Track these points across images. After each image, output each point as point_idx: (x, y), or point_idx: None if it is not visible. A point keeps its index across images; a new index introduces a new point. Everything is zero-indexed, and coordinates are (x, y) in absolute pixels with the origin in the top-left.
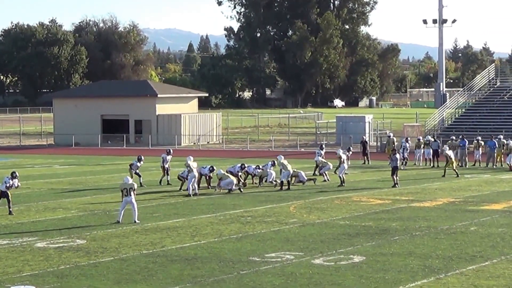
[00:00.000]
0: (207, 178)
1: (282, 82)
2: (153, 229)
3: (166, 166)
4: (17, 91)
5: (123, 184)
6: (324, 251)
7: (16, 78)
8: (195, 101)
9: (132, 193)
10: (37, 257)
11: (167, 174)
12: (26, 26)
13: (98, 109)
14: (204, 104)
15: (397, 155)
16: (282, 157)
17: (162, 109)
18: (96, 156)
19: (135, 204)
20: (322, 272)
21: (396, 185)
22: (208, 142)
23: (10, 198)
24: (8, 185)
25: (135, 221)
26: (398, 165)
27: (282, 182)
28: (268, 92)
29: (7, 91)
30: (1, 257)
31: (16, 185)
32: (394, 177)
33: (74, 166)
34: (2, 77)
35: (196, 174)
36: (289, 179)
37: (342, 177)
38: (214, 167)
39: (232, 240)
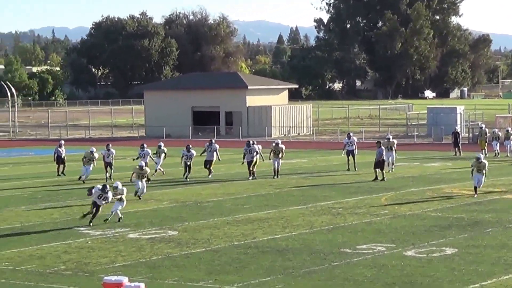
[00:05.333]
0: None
1: (372, 73)
2: (244, 220)
3: (189, 163)
4: (109, 83)
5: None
6: (416, 243)
7: (107, 71)
8: (285, 93)
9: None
10: (129, 248)
11: (188, 171)
12: (116, 19)
13: (188, 101)
14: (294, 96)
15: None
16: None
17: (252, 100)
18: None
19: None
20: (414, 264)
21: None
22: (298, 134)
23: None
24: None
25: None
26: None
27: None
28: (358, 83)
29: (98, 83)
30: (94, 248)
31: (109, 199)
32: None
33: (167, 158)
34: (93, 69)
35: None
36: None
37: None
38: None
39: (323, 232)
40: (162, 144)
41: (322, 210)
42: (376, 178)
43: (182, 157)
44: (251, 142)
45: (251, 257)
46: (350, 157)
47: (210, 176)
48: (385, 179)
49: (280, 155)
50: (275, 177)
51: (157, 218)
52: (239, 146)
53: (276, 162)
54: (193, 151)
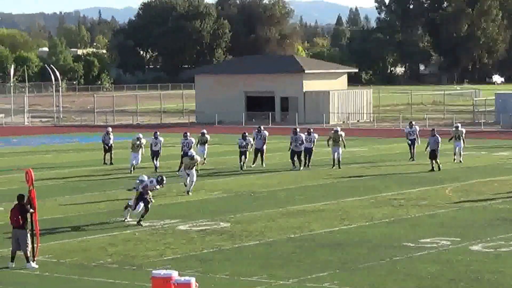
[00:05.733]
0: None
1: (437, 57)
2: (300, 212)
3: (245, 150)
4: (157, 67)
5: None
6: (483, 237)
7: (156, 54)
8: (344, 77)
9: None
10: (179, 240)
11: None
12: (166, 0)
13: (242, 85)
14: (353, 81)
15: None
16: None
17: (309, 85)
18: (240, 135)
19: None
20: (481, 260)
21: None
22: (358, 121)
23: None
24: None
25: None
26: None
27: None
28: (421, 67)
29: (147, 67)
30: (142, 240)
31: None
32: None
33: (217, 146)
34: (141, 52)
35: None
36: None
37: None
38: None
39: (384, 224)
40: (205, 131)
41: (383, 201)
42: (432, 169)
43: (239, 147)
44: (298, 130)
45: (307, 251)
46: (412, 146)
47: (253, 165)
48: (440, 168)
49: (340, 143)
50: (335, 167)
51: (208, 209)
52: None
53: (336, 152)
54: (250, 138)
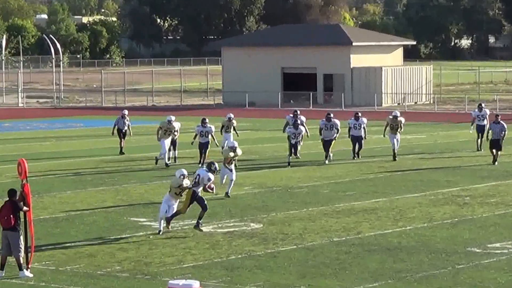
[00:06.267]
0: None
1: (510, 27)
2: (346, 211)
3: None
4: (178, 38)
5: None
6: None
7: (176, 22)
8: (400, 51)
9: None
10: (201, 245)
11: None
12: None
13: (278, 60)
14: (410, 55)
15: None
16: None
17: (358, 60)
18: (276, 119)
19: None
20: None
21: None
22: (415, 103)
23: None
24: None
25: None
26: None
27: None
28: (492, 40)
29: (165, 38)
30: (157, 244)
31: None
32: None
33: (248, 132)
34: (158, 20)
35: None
36: None
37: None
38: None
39: (446, 226)
40: (232, 115)
41: (445, 198)
42: (494, 161)
43: (289, 136)
44: (332, 115)
45: (355, 257)
46: (481, 134)
47: (298, 156)
48: (496, 162)
49: (398, 130)
50: (396, 159)
51: (237, 207)
52: (341, 118)
53: (395, 140)
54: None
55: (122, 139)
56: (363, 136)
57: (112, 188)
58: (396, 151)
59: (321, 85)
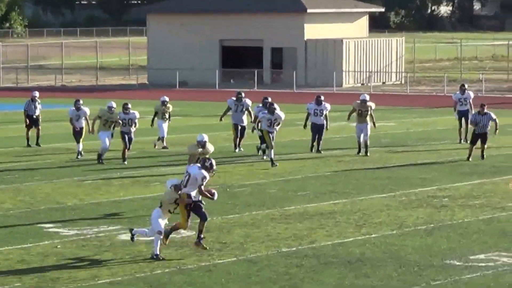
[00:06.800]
0: None
1: None
2: (298, 215)
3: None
4: (93, 2)
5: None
6: None
7: None
8: (365, 20)
9: None
10: (120, 256)
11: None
12: None
13: (216, 31)
14: (378, 24)
15: None
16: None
17: (313, 31)
18: (213, 102)
19: None
20: None
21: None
22: (383, 83)
23: None
24: None
25: None
26: None
27: None
28: (477, 6)
29: (77, 2)
30: (66, 255)
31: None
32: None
33: (179, 118)
34: None
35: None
36: None
37: None
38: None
39: (420, 234)
40: (167, 98)
41: (418, 200)
42: (469, 157)
43: (258, 122)
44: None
45: (308, 272)
46: (463, 121)
47: (237, 150)
48: (484, 157)
49: (368, 119)
50: (361, 153)
51: None
52: (292, 101)
53: (363, 130)
54: (281, 113)
55: (32, 128)
56: (325, 125)
57: (12, 187)
58: (367, 143)
59: (269, 61)
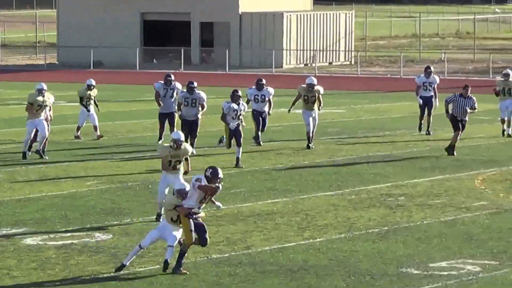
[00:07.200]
0: None
1: None
2: (231, 216)
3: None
4: None
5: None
6: None
7: None
8: None
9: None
10: (25, 263)
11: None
12: None
13: (136, 3)
14: None
15: None
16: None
17: (249, 3)
18: (132, 85)
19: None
20: None
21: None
22: (330, 63)
23: None
24: None
25: None
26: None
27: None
28: None
29: None
30: None
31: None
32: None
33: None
34: None
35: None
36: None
37: None
38: None
39: (372, 238)
40: (93, 82)
41: (370, 199)
42: (453, 148)
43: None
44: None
45: (242, 281)
46: (426, 109)
47: (160, 142)
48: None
49: (315, 105)
50: (310, 145)
51: (76, 210)
52: (224, 84)
53: (310, 119)
54: (244, 104)
55: None
56: (267, 111)
57: None
58: (313, 133)
59: (197, 38)
